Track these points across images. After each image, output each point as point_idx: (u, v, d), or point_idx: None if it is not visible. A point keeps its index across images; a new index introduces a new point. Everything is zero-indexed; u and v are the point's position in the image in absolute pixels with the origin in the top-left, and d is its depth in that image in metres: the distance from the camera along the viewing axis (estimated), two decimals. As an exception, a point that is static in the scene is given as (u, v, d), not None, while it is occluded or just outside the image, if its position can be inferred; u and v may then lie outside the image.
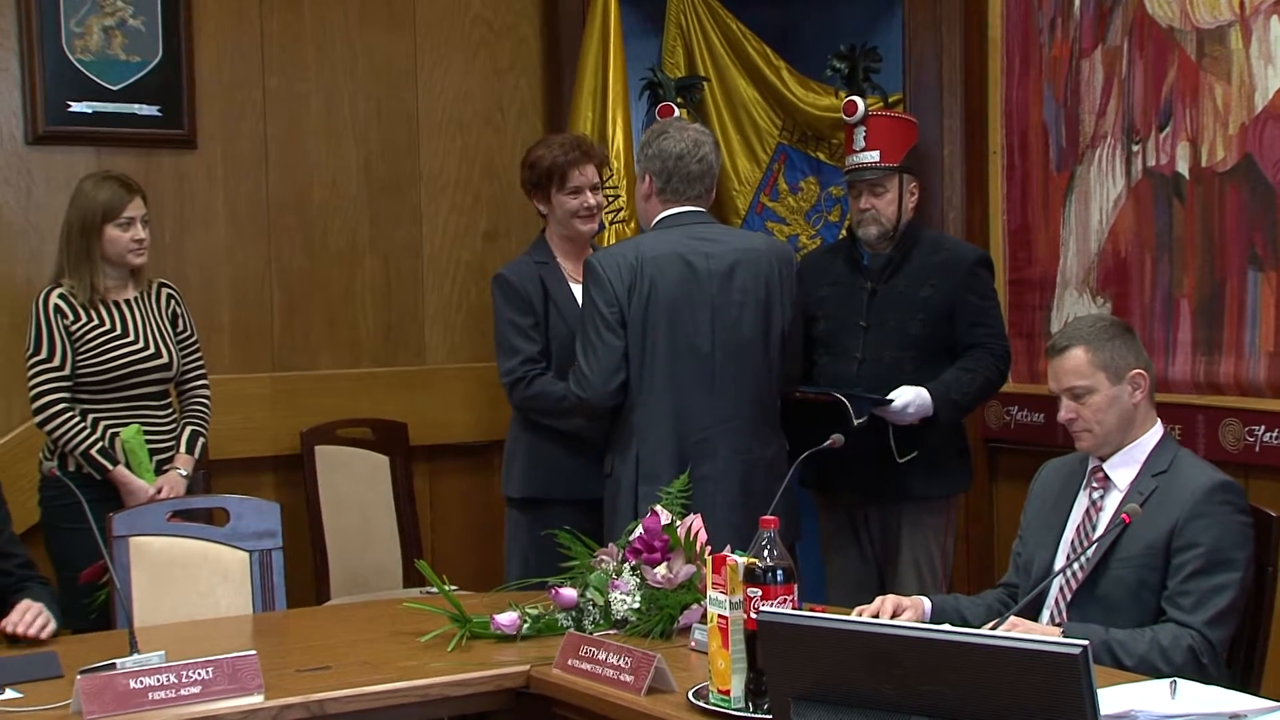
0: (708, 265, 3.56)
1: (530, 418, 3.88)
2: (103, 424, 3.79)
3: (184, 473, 3.86)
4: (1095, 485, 2.95)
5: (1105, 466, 2.93)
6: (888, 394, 3.77)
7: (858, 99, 4.21)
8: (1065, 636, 2.69)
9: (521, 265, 3.94)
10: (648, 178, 3.65)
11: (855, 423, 3.64)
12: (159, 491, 3.76)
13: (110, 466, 3.74)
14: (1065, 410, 2.94)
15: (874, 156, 4.06)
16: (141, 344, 3.84)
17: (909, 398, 3.77)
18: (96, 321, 3.80)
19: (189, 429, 3.94)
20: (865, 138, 4.10)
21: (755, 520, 3.41)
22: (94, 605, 3.51)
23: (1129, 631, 2.72)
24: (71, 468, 3.75)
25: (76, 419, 3.75)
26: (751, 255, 3.62)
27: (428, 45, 4.99)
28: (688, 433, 3.51)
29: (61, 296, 3.79)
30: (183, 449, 3.90)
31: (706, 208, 3.70)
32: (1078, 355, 2.91)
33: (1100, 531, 2.87)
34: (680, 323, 3.52)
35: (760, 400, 3.62)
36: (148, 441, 3.82)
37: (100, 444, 3.75)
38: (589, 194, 3.89)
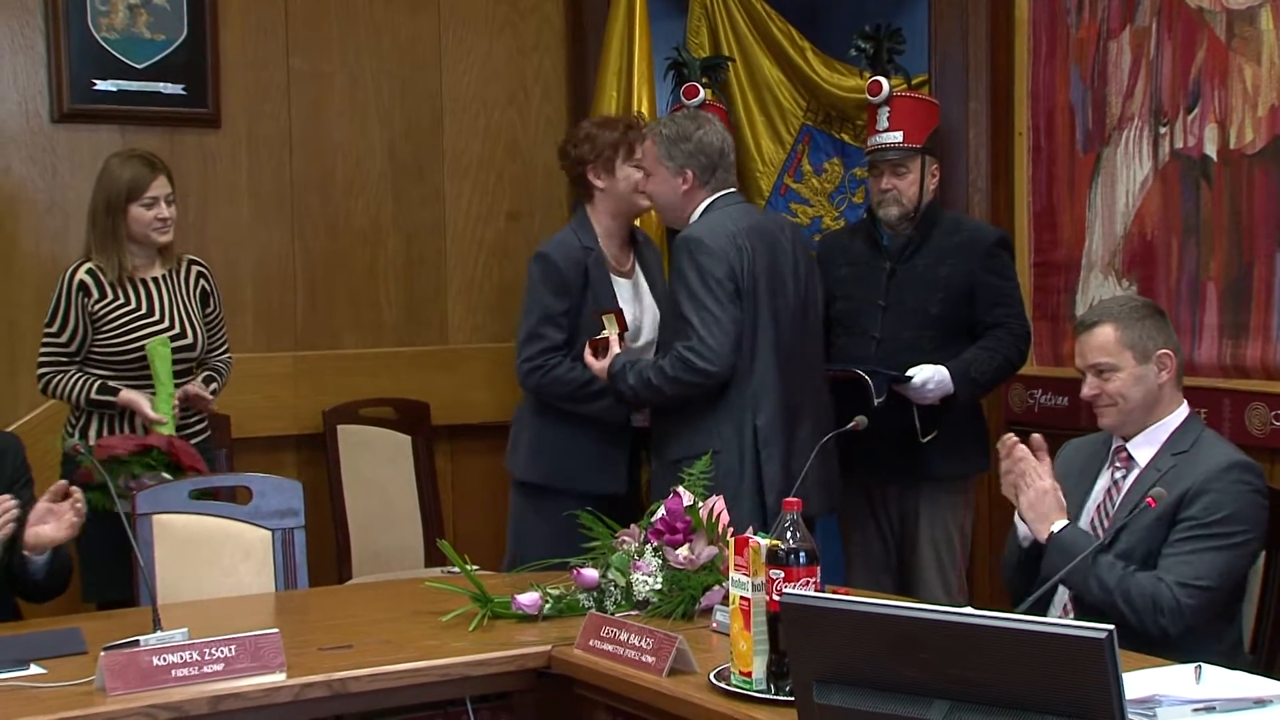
0: (779, 238, 3.65)
1: (542, 403, 3.83)
2: None
3: (194, 386, 3.85)
4: (1118, 465, 2.95)
5: (1129, 446, 2.93)
6: (906, 371, 3.78)
7: (882, 79, 4.20)
8: (1066, 539, 2.79)
9: (568, 247, 3.82)
10: (688, 172, 3.65)
11: (876, 400, 3.67)
12: (182, 399, 3.76)
13: (116, 393, 3.74)
14: (1089, 387, 2.93)
15: (897, 137, 4.06)
16: (167, 323, 3.84)
17: (928, 374, 3.79)
18: (122, 300, 3.80)
19: (205, 373, 3.93)
20: (889, 118, 4.10)
21: (832, 480, 3.61)
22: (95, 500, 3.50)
23: (1118, 566, 2.76)
24: (91, 442, 3.75)
25: (71, 372, 3.76)
26: (794, 230, 3.77)
27: (451, 25, 4.98)
28: (789, 398, 3.59)
29: (89, 273, 3.79)
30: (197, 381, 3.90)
31: None
32: (1105, 332, 2.90)
33: (1117, 508, 2.89)
34: (775, 292, 3.59)
35: (821, 364, 3.77)
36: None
37: (100, 382, 3.76)
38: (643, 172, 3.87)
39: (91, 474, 3.45)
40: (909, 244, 3.99)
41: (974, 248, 3.95)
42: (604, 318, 3.70)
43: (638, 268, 3.94)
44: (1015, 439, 2.93)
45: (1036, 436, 2.93)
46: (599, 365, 3.66)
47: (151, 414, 3.71)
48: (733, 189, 3.72)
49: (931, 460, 3.89)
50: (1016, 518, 2.95)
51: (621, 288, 3.85)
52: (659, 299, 3.92)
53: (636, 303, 3.86)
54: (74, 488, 3.04)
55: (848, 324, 4.00)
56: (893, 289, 3.97)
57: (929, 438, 3.83)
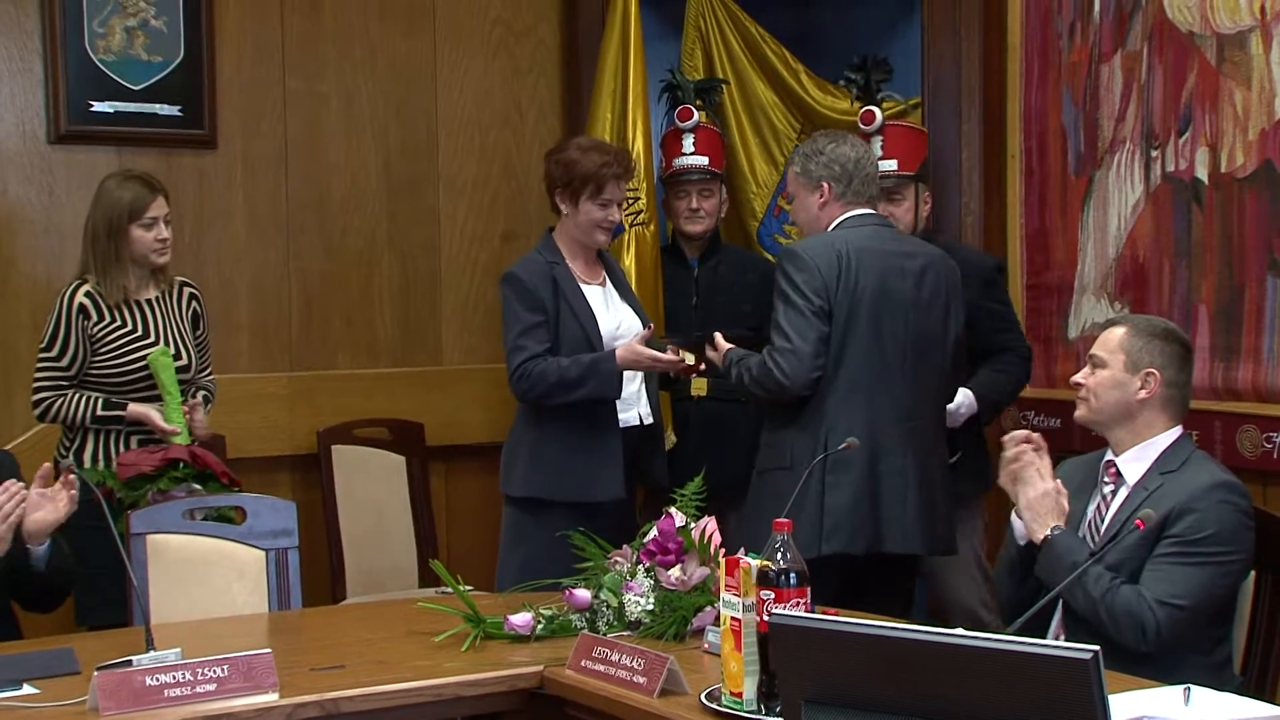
0: (902, 264, 3.59)
1: (535, 415, 3.88)
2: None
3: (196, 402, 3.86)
4: (1107, 480, 2.98)
5: (1118, 461, 2.95)
6: None
7: (875, 109, 4.27)
8: (1059, 545, 2.81)
9: (534, 263, 3.92)
10: (825, 185, 3.64)
11: None
12: (190, 412, 3.77)
13: (123, 408, 3.74)
14: (1080, 374, 3.01)
15: (892, 165, 4.15)
16: (162, 345, 3.84)
17: (960, 399, 3.88)
18: (120, 322, 3.81)
19: (201, 393, 3.94)
20: (882, 147, 4.19)
21: (937, 519, 3.56)
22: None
23: (1105, 578, 2.76)
24: (88, 464, 3.76)
25: (70, 394, 3.76)
26: (936, 259, 3.67)
27: (447, 46, 5.00)
28: (879, 427, 3.51)
29: (88, 294, 3.78)
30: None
31: None
32: (1116, 331, 2.98)
33: (1106, 524, 2.91)
34: (880, 317, 3.54)
35: (939, 401, 3.67)
36: None
37: (103, 399, 3.76)
38: (615, 210, 3.93)
39: (113, 492, 3.48)
40: None
41: (973, 276, 3.99)
42: (680, 350, 3.88)
43: (607, 279, 4.02)
44: (1025, 434, 2.99)
45: (1036, 435, 2.98)
46: (714, 355, 3.75)
47: (165, 425, 3.71)
48: (868, 210, 3.66)
49: (957, 481, 3.92)
50: (1013, 516, 2.97)
51: (593, 295, 3.93)
52: (632, 305, 4.03)
53: (607, 309, 3.94)
54: (66, 463, 3.06)
55: None
56: None
57: (954, 459, 3.86)
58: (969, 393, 3.93)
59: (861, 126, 4.27)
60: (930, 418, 3.64)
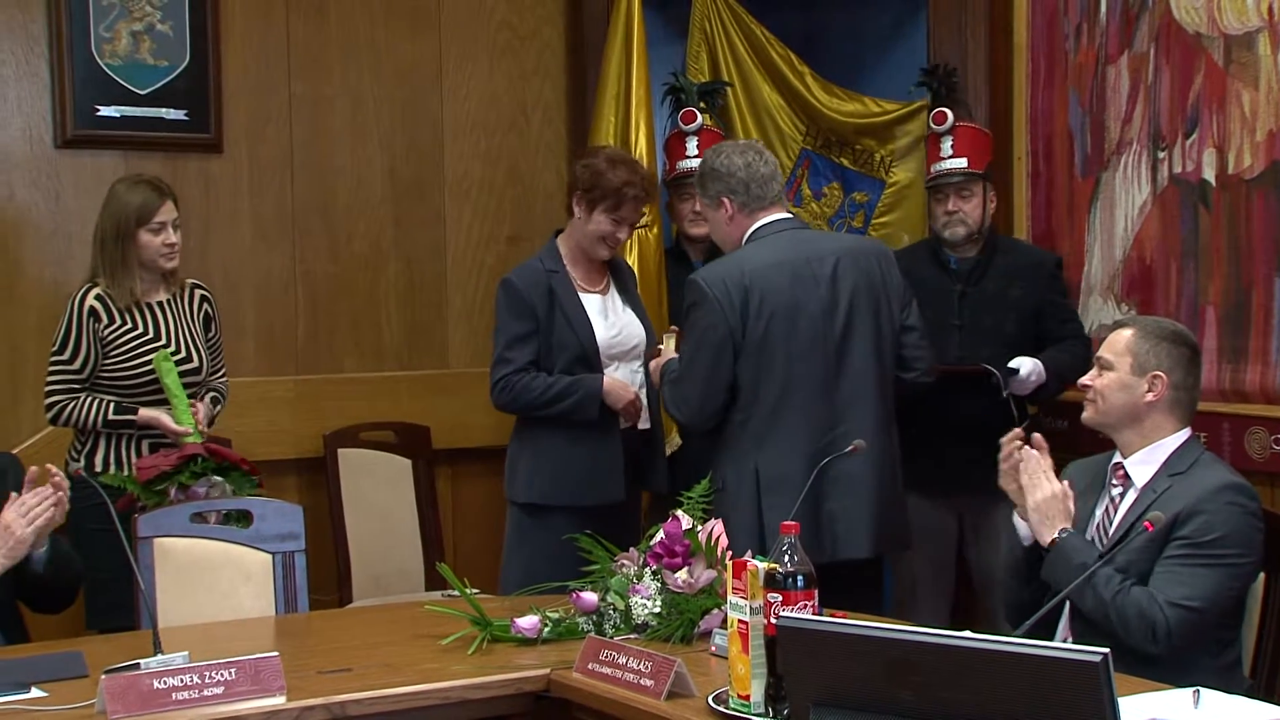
0: (812, 269, 3.54)
1: (533, 425, 3.91)
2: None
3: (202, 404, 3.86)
4: (1115, 482, 2.97)
5: (1126, 464, 2.95)
6: (1010, 364, 4.03)
7: (947, 110, 4.41)
8: (1067, 548, 2.81)
9: (531, 271, 3.93)
10: (724, 201, 3.62)
11: (1004, 393, 3.98)
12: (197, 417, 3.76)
13: (134, 412, 3.75)
14: (1088, 376, 3.01)
15: (962, 163, 4.30)
16: (173, 348, 3.84)
17: (1030, 366, 4.05)
18: (130, 325, 3.81)
19: (210, 394, 3.95)
20: (952, 146, 4.33)
21: (890, 517, 3.56)
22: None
23: (1115, 579, 2.76)
24: (99, 468, 3.76)
25: (82, 398, 3.76)
26: (852, 254, 3.61)
27: (452, 50, 5.01)
28: (813, 438, 3.47)
29: (98, 298, 3.79)
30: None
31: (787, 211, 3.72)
32: (1124, 334, 2.98)
33: (1114, 527, 2.91)
34: (795, 331, 3.50)
35: (879, 395, 3.58)
36: None
37: (114, 403, 3.76)
38: (625, 229, 3.94)
39: (134, 498, 3.48)
40: (977, 266, 4.23)
41: (1039, 270, 4.23)
42: (664, 335, 3.87)
43: (612, 287, 4.02)
44: (1020, 433, 3.00)
45: (1037, 436, 2.98)
46: (653, 364, 3.81)
47: (176, 427, 3.72)
48: (779, 215, 3.63)
49: None
50: (1015, 517, 2.97)
51: (590, 303, 3.94)
52: (636, 311, 4.04)
53: (605, 318, 3.95)
54: (49, 466, 3.05)
55: None
56: (965, 309, 4.19)
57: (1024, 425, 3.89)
58: (1036, 360, 4.06)
59: (934, 126, 4.40)
60: (872, 413, 3.54)
